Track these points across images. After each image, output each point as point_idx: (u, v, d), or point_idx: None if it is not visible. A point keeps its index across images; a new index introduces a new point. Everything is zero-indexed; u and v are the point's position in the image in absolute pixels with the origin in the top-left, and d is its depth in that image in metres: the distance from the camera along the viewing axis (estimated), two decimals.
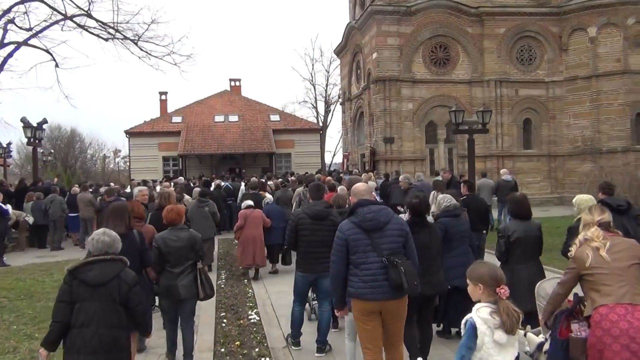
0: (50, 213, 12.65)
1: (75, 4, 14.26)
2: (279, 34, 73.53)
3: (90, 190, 14.27)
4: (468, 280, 2.86)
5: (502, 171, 14.60)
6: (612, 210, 3.90)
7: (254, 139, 27.62)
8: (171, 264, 4.72)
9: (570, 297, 3.53)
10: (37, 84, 53.66)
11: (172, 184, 14.18)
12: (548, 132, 20.78)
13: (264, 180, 14.02)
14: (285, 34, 72.56)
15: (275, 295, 7.49)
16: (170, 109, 31.30)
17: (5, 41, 14.65)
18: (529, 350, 3.85)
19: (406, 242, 3.85)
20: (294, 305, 5.36)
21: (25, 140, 16.10)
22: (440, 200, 5.50)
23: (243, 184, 15.15)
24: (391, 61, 19.83)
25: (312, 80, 41.73)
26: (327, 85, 41.32)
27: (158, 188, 13.18)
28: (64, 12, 14.33)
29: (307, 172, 17.51)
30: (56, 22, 14.55)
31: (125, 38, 14.76)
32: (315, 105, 41.96)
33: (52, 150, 33.84)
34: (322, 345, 5.10)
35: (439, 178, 11.52)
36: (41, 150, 22.54)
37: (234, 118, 29.38)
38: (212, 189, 12.84)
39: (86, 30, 14.70)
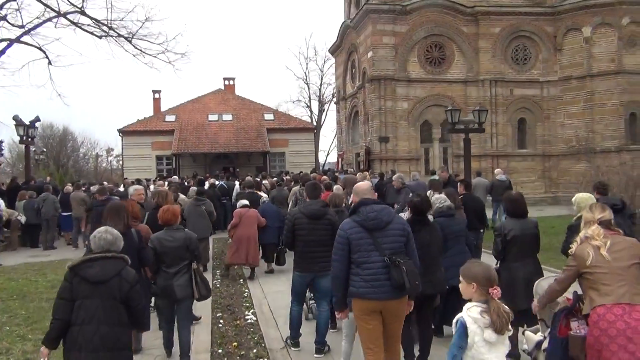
0: (43, 212, 12.53)
1: (69, 1, 14.13)
2: (273, 33, 73.48)
3: (83, 189, 14.18)
4: (461, 278, 2.89)
5: (496, 171, 14.64)
6: None
7: (247, 138, 27.54)
8: (167, 264, 4.72)
9: (570, 295, 3.52)
10: (29, 81, 53.21)
11: (167, 183, 14.09)
12: (542, 131, 20.87)
13: (259, 180, 13.96)
14: (279, 32, 72.46)
15: (271, 295, 7.45)
16: (164, 107, 31.14)
17: None
18: (528, 349, 3.85)
19: (407, 242, 3.84)
20: (291, 305, 5.32)
21: (17, 138, 15.93)
22: (434, 201, 5.49)
23: (237, 183, 15.10)
24: (386, 60, 19.84)
25: (306, 79, 41.67)
26: (321, 85, 41.25)
27: (152, 187, 13.11)
28: (57, 9, 14.20)
29: (302, 171, 17.45)
30: (49, 19, 14.40)
31: (119, 36, 14.64)
32: (309, 104, 41.95)
33: (45, 149, 33.50)
34: (321, 345, 5.06)
35: (436, 177, 11.50)
36: (33, 149, 22.31)
37: (227, 117, 29.26)
38: (206, 187, 12.77)
39: (80, 27, 14.56)
